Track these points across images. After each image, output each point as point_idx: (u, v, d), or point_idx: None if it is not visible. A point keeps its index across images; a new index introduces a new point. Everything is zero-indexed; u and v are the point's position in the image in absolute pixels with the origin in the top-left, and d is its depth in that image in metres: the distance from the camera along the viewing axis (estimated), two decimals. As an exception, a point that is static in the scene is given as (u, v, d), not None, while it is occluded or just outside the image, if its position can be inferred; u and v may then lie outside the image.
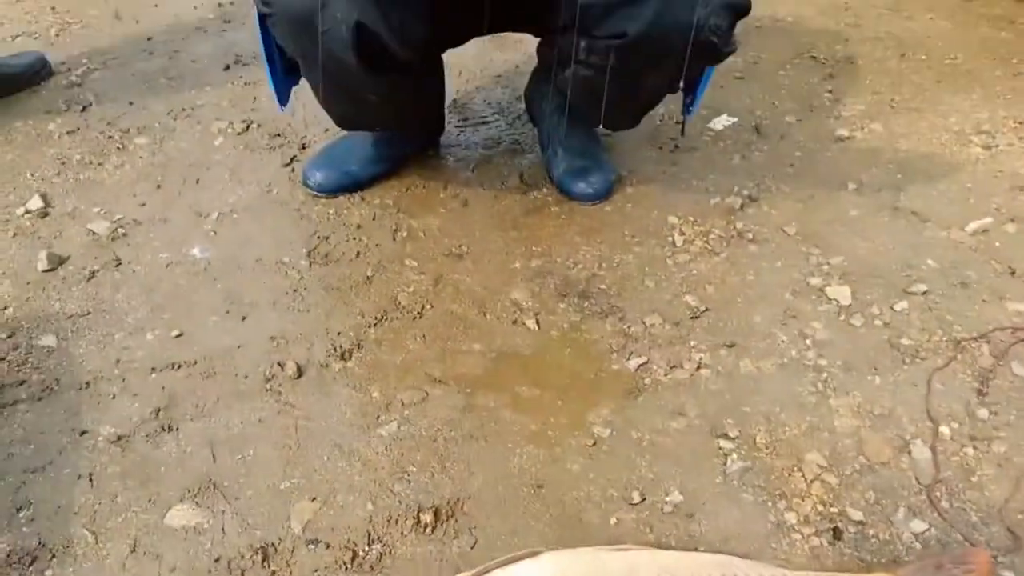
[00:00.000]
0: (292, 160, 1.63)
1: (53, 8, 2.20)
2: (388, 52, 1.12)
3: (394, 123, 1.47)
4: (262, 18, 1.15)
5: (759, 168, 1.64)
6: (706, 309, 1.29)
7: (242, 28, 2.12)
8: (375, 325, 1.26)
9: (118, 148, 1.64)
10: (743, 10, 1.13)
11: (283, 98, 1.32)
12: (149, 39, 2.06)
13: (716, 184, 1.59)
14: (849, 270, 1.36)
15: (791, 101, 1.88)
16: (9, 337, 1.21)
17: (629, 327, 1.26)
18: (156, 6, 2.22)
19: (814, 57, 2.08)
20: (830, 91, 1.92)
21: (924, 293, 1.31)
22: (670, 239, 1.45)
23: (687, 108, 1.41)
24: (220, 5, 2.24)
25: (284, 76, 1.27)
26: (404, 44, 1.15)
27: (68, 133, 1.67)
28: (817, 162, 1.66)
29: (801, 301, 1.31)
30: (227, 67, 1.96)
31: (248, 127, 1.72)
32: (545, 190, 1.58)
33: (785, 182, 1.60)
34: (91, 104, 1.78)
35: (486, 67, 1.97)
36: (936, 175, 1.61)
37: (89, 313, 1.25)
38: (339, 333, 1.25)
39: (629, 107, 1.31)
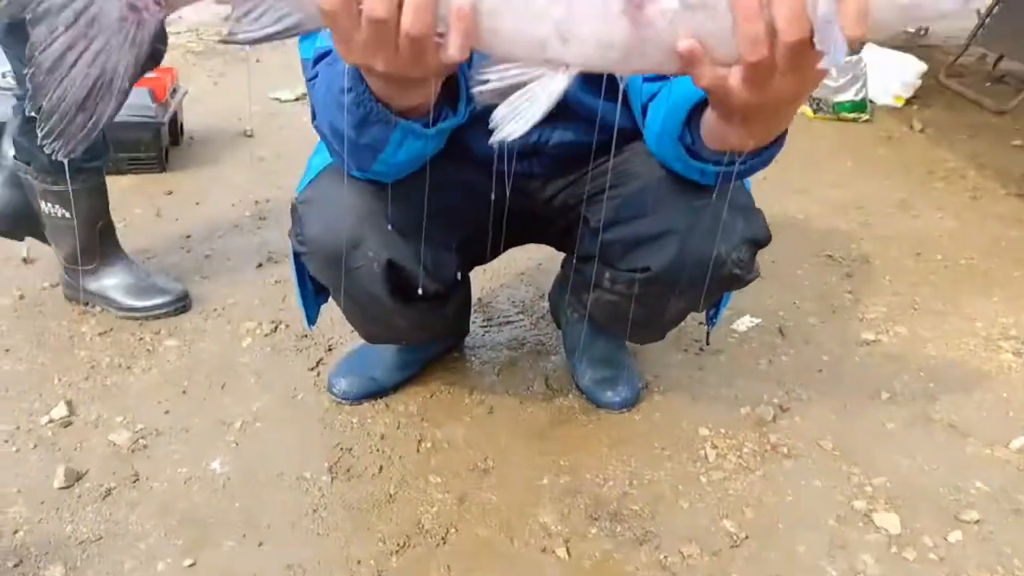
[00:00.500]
0: (318, 363, 1.63)
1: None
2: (419, 285, 1.15)
3: (422, 340, 1.49)
4: (296, 253, 1.19)
5: (787, 374, 1.63)
6: (746, 537, 1.23)
7: (276, 226, 2.20)
8: (397, 552, 1.20)
9: (148, 351, 1.66)
10: (764, 242, 1.16)
11: (312, 318, 1.34)
12: (187, 237, 2.14)
13: (744, 391, 1.57)
14: (894, 493, 1.31)
15: (812, 301, 1.90)
16: (16, 566, 1.15)
17: (666, 557, 1.19)
18: (197, 204, 2.33)
19: (830, 256, 2.13)
20: (850, 291, 1.95)
21: (977, 522, 1.24)
22: (702, 452, 1.41)
23: (711, 320, 1.42)
24: (257, 203, 2.35)
25: (314, 297, 1.30)
26: (435, 279, 1.18)
27: (100, 335, 1.70)
28: (845, 368, 1.65)
29: (847, 528, 1.24)
30: (260, 264, 2.02)
31: (276, 327, 1.75)
32: (571, 396, 1.56)
33: (815, 390, 1.57)
34: (125, 304, 1.82)
35: (509, 265, 2.02)
36: (969, 384, 1.59)
37: (101, 538, 1.20)
38: (359, 562, 1.18)
39: (654, 326, 1.32)
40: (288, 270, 1.49)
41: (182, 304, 1.79)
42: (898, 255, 2.13)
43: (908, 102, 3.34)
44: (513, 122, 0.72)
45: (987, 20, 3.55)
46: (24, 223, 1.77)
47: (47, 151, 0.69)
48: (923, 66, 3.38)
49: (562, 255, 1.59)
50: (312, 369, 1.62)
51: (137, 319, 1.74)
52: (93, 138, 0.70)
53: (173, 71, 2.67)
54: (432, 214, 1.11)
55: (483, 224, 1.15)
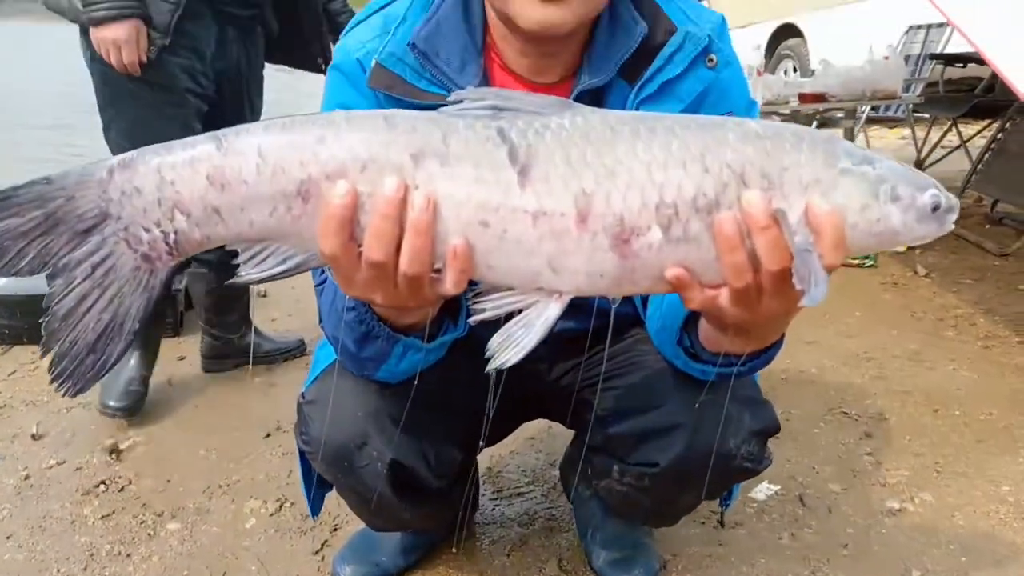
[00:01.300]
0: (323, 546, 1.58)
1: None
2: (423, 481, 1.14)
3: (428, 527, 1.45)
4: (302, 451, 1.18)
5: (812, 550, 1.55)
6: None
7: (287, 392, 2.21)
8: None
9: (148, 535, 1.62)
10: (773, 432, 1.14)
11: (316, 508, 1.31)
12: (196, 406, 2.14)
13: (768, 571, 1.50)
14: None
15: (831, 465, 1.85)
16: None
17: None
18: (209, 370, 2.35)
19: (845, 413, 2.09)
20: (869, 453, 1.90)
21: None
22: (727, 646, 1.33)
23: (724, 502, 1.38)
24: (268, 369, 2.37)
25: (319, 488, 1.28)
26: (441, 476, 1.16)
27: (102, 518, 1.66)
28: (872, 542, 1.58)
29: None
30: (268, 435, 2.01)
31: (281, 506, 1.71)
32: (586, 579, 1.49)
33: (843, 569, 1.50)
34: (129, 483, 1.80)
35: (520, 431, 1.99)
36: (1004, 559, 1.51)
37: None
38: None
39: (667, 515, 1.28)
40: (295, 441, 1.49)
41: None
42: (915, 411, 2.09)
43: (910, 246, 3.39)
44: (508, 350, 0.73)
45: (979, 166, 3.67)
46: None
47: (56, 391, 0.71)
48: (921, 211, 3.45)
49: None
50: (316, 553, 1.57)
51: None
52: (102, 377, 0.72)
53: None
54: (438, 407, 1.11)
55: (488, 410, 1.14)
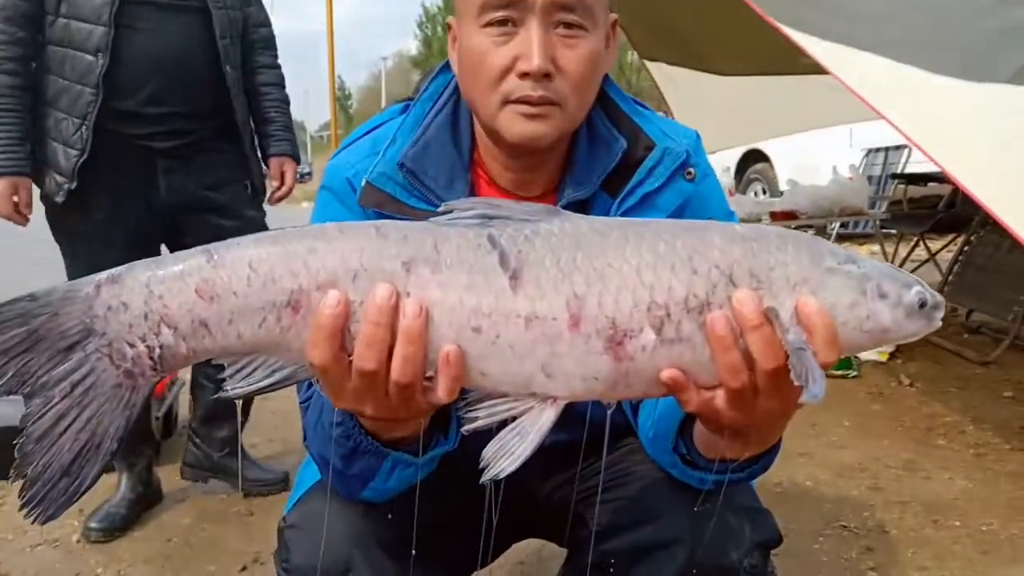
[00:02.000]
0: None
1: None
2: None
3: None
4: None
5: None
6: None
7: (265, 521, 2.11)
8: None
9: None
10: (776, 543, 1.10)
11: None
12: (168, 540, 2.03)
13: None
14: None
15: (835, 583, 1.77)
16: None
17: None
18: (184, 500, 2.25)
19: (845, 526, 2.03)
20: (873, 568, 1.83)
21: None
22: None
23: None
24: (246, 495, 2.28)
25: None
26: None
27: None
28: (887, 667, 1.49)
29: None
30: (244, 568, 1.90)
31: (257, 647, 1.59)
32: None
33: None
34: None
35: (510, 554, 1.90)
36: None
37: None
38: None
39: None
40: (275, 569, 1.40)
41: None
42: (915, 522, 2.03)
43: (892, 356, 3.43)
44: (503, 460, 0.71)
45: (950, 277, 3.77)
46: None
47: (25, 517, 0.67)
48: (900, 321, 3.51)
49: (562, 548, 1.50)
50: None
51: None
52: (75, 502, 0.68)
53: (173, 364, 2.73)
54: (426, 528, 1.06)
55: (479, 529, 1.09)
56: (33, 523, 0.66)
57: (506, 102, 0.94)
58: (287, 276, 0.66)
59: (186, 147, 2.08)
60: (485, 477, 0.69)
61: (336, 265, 0.66)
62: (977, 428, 2.66)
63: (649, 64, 4.94)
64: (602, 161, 1.04)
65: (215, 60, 2.07)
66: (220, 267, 0.66)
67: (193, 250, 0.68)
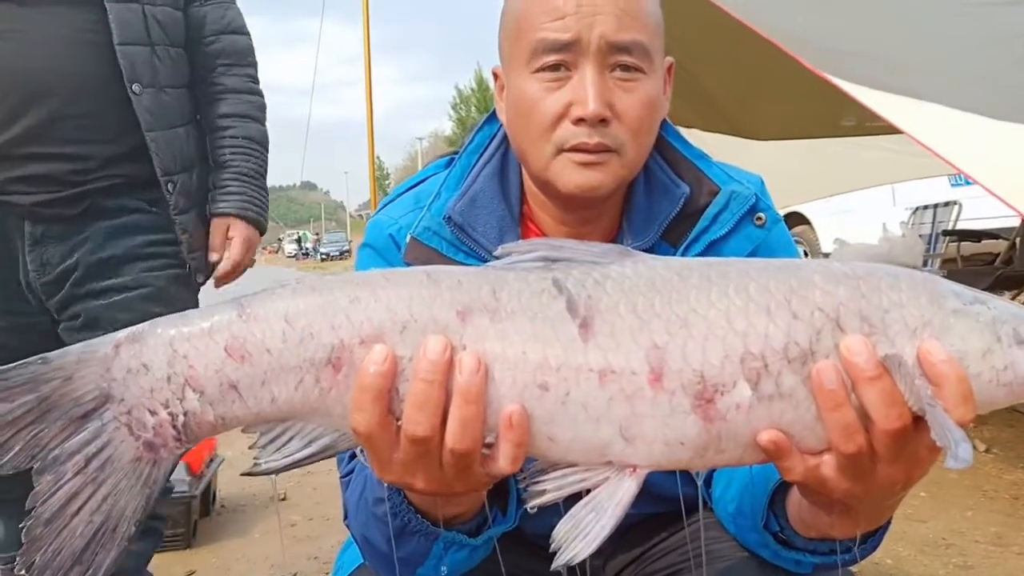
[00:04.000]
0: None
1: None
2: None
3: None
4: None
5: None
6: None
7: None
8: None
9: None
10: None
11: None
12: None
13: None
14: None
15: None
16: None
17: None
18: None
19: (936, 611, 1.84)
20: (976, 660, 1.63)
21: None
22: None
23: None
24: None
25: None
26: None
27: None
28: None
29: None
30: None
31: None
32: None
33: None
34: None
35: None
36: None
37: None
38: None
39: None
40: None
41: None
42: (1016, 606, 1.83)
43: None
44: (578, 541, 0.61)
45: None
46: None
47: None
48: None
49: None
50: None
51: None
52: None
53: (213, 440, 2.67)
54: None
55: None
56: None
57: (560, 150, 0.88)
58: (327, 330, 0.58)
59: (68, 204, 1.46)
60: (558, 562, 0.59)
61: (382, 316, 0.58)
62: (1069, 497, 2.44)
63: (683, 131, 4.92)
64: (663, 209, 0.97)
65: (116, 77, 1.45)
66: (252, 321, 0.59)
67: (224, 303, 0.60)
